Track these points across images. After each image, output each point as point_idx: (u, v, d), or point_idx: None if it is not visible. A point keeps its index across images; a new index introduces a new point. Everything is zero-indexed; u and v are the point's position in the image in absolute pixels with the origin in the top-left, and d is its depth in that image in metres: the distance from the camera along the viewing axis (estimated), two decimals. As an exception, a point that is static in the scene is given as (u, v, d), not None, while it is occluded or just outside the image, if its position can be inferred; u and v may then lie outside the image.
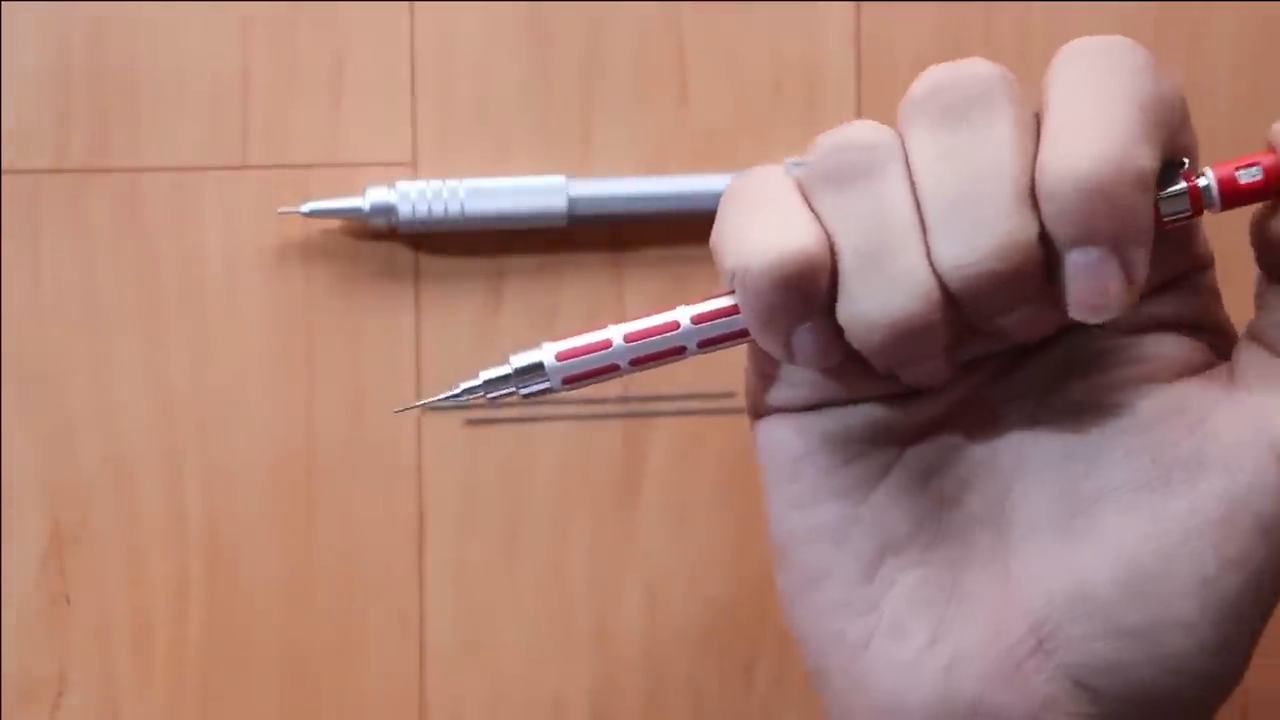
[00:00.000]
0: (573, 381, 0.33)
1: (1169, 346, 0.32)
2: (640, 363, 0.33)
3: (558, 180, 0.50)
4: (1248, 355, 0.32)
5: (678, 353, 0.32)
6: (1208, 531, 0.30)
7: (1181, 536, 0.30)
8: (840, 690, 0.32)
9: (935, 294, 0.29)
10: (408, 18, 0.52)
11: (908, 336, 0.29)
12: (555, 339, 0.33)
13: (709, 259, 0.53)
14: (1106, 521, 0.31)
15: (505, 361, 0.33)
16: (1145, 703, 0.30)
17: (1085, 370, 0.32)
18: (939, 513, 0.32)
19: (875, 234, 0.29)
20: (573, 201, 0.50)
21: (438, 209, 0.50)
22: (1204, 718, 0.32)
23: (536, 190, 0.50)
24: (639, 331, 0.32)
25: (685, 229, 0.51)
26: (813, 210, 0.30)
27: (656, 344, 0.32)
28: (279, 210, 0.50)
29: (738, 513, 0.52)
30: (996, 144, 0.29)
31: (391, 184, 0.50)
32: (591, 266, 0.52)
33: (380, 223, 0.50)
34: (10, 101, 0.50)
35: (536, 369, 0.33)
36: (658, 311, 0.33)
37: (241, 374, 0.51)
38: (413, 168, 0.51)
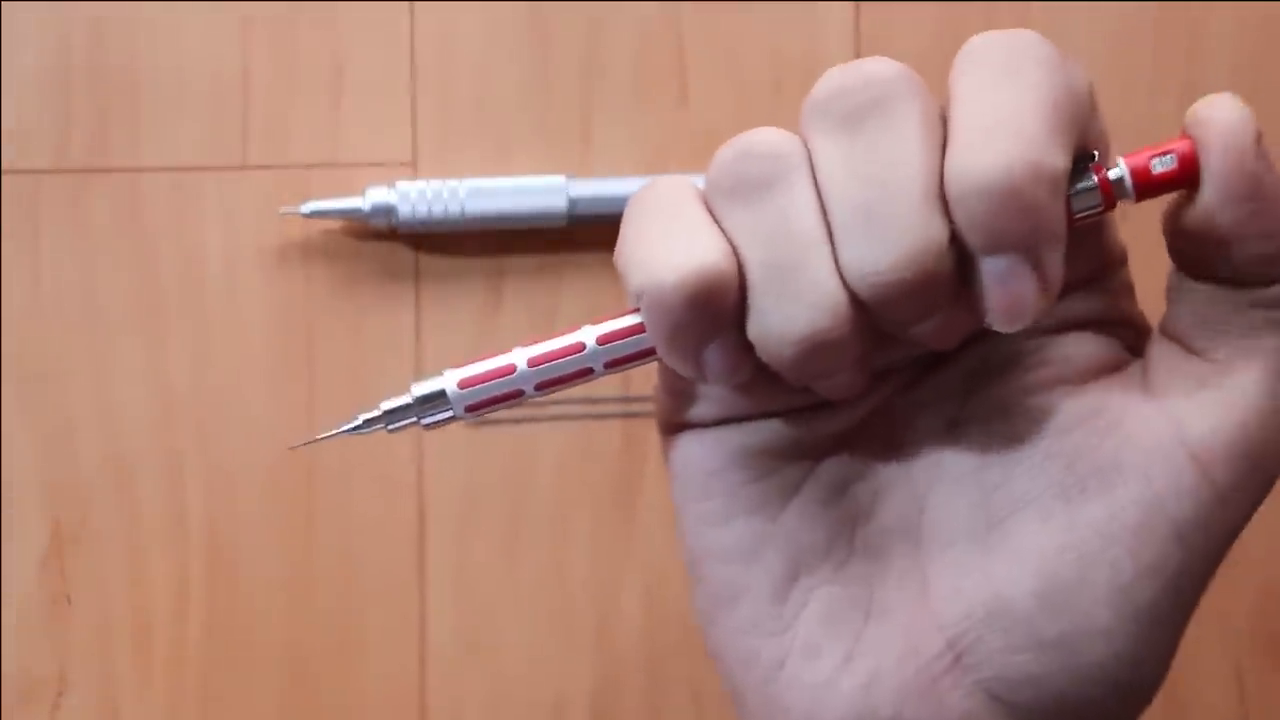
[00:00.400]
0: (476, 409, 0.32)
1: (1084, 346, 0.31)
2: (546, 386, 0.31)
3: (558, 180, 0.50)
4: (1160, 352, 0.31)
5: (585, 374, 0.31)
6: (1124, 538, 0.29)
7: (1098, 544, 0.30)
8: (755, 709, 0.32)
9: (844, 306, 0.29)
10: (408, 18, 0.52)
11: (818, 350, 0.29)
12: (458, 365, 0.32)
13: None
14: (1023, 531, 0.30)
15: (406, 390, 0.32)
16: (1063, 715, 0.30)
17: (998, 374, 0.31)
18: (853, 528, 0.32)
19: (780, 247, 0.29)
20: (573, 201, 0.50)
21: (438, 209, 0.50)
22: None
23: (536, 190, 0.50)
24: (543, 355, 0.31)
25: (685, 229, 0.51)
26: (718, 224, 0.30)
27: (562, 367, 0.31)
28: (280, 211, 0.50)
29: (738, 513, 0.52)
30: (901, 147, 0.28)
31: (391, 184, 0.50)
32: (591, 266, 0.52)
33: (380, 223, 0.50)
34: (10, 101, 0.51)
35: (438, 397, 0.32)
36: (563, 333, 0.31)
37: (241, 374, 0.51)
38: (413, 168, 0.51)
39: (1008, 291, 0.28)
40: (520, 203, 0.50)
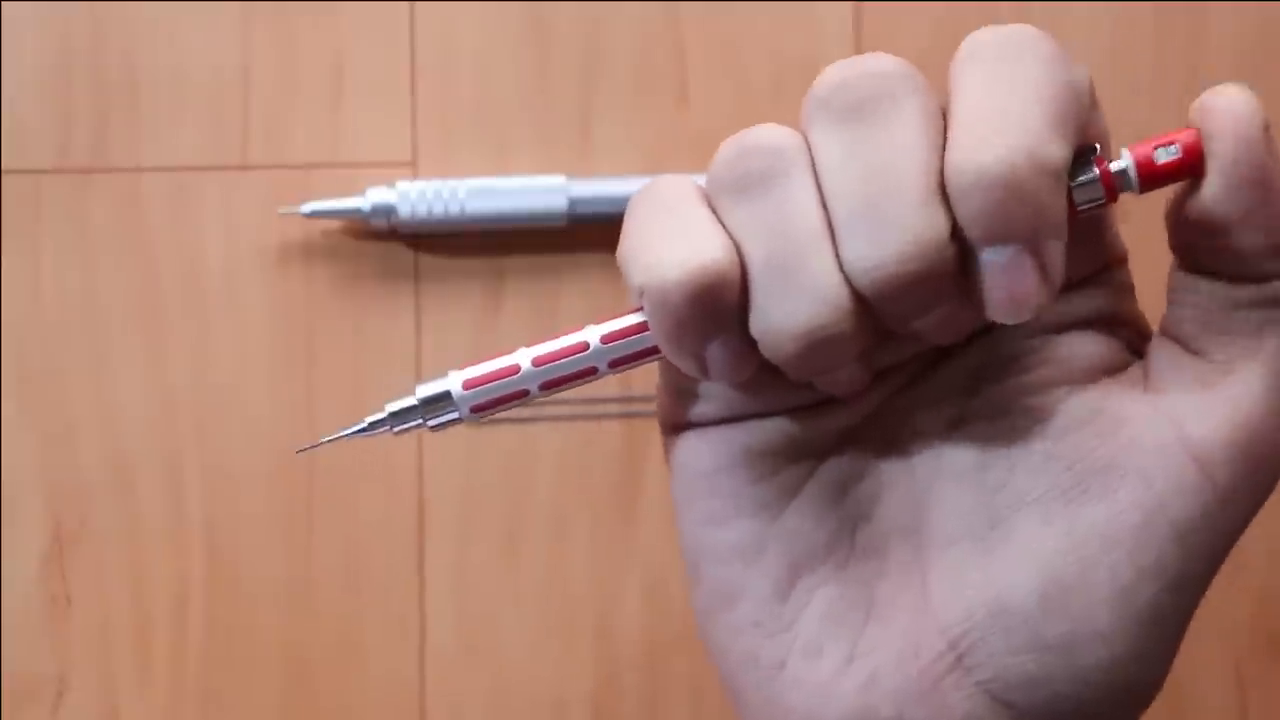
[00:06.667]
0: (482, 410, 0.32)
1: (1085, 345, 0.31)
2: (551, 386, 0.32)
3: (558, 180, 0.50)
4: (1160, 353, 0.31)
5: (589, 374, 0.32)
6: (1125, 540, 0.29)
7: (1099, 546, 0.30)
8: (756, 710, 0.32)
9: (846, 300, 0.29)
10: (408, 18, 0.52)
11: (820, 345, 0.29)
12: (462, 367, 0.32)
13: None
14: (1024, 532, 0.30)
15: (410, 392, 0.32)
16: (1064, 716, 0.30)
17: (1000, 373, 0.31)
18: (854, 528, 0.32)
19: (782, 243, 0.29)
20: (573, 201, 0.50)
21: (438, 209, 0.50)
22: None
23: (536, 190, 0.50)
24: (547, 355, 0.31)
25: (685, 229, 0.51)
26: (720, 221, 0.30)
27: (566, 366, 0.31)
28: (280, 211, 0.50)
29: (738, 513, 0.52)
30: (901, 141, 0.29)
31: (391, 184, 0.50)
32: (591, 266, 0.52)
33: (380, 223, 0.50)
34: (10, 101, 0.51)
35: (444, 399, 0.31)
36: (567, 332, 0.32)
37: (241, 374, 0.51)
38: (413, 168, 0.51)
39: (1010, 283, 0.28)
40: (520, 203, 0.50)
